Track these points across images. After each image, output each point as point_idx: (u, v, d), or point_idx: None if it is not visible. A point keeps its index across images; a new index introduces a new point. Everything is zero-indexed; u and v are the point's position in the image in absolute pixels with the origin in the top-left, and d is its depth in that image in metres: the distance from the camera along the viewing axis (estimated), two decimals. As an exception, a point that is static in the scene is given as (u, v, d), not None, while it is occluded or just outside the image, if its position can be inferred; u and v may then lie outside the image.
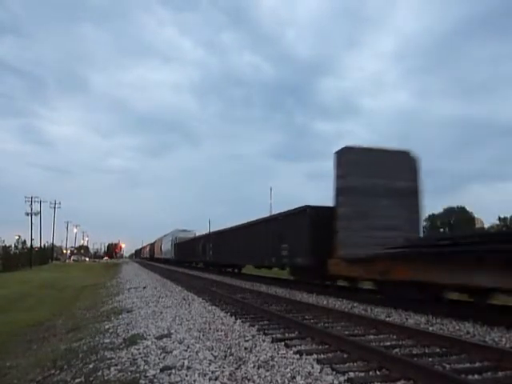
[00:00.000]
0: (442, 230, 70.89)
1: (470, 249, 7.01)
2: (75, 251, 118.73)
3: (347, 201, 11.16)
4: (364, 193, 11.15)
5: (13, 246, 56.87)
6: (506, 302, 7.80)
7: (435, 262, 7.71)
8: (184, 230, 44.09)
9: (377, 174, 11.42)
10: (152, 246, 61.38)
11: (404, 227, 11.00)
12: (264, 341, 5.71)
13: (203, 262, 29.81)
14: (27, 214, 62.68)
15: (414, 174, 11.84)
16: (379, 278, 9.37)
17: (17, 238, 62.56)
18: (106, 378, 4.50)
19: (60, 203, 75.89)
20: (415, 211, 11.68)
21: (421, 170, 11.95)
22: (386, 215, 11.06)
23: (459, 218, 72.20)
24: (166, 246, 46.78)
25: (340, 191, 11.32)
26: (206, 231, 21.79)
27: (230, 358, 4.85)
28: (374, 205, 11.10)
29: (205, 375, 4.19)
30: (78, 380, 4.65)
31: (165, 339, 6.01)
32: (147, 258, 66.02)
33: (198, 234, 36.12)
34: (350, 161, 11.37)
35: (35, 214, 63.87)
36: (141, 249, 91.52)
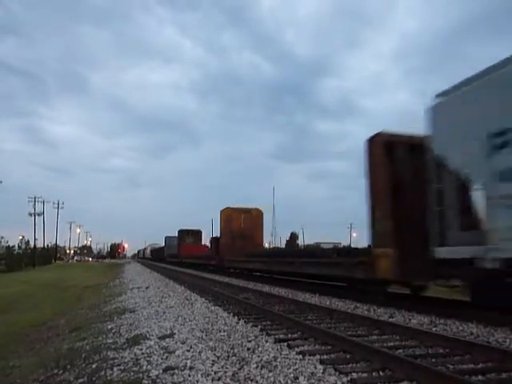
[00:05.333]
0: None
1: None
2: (78, 251, 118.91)
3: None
4: None
5: (16, 246, 57.16)
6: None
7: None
8: (156, 243, 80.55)
9: None
10: (144, 250, 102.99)
11: None
12: (267, 341, 5.70)
13: (153, 259, 66.35)
14: (30, 215, 62.80)
15: None
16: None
17: (20, 238, 63.08)
18: (108, 378, 4.51)
19: (63, 203, 76.22)
20: None
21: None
22: None
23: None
24: (148, 251, 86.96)
25: None
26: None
27: (233, 358, 4.84)
28: None
29: (208, 375, 4.19)
30: (80, 380, 4.65)
31: (168, 339, 6.01)
32: (142, 257, 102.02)
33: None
34: None
35: (38, 215, 63.92)
36: (139, 251, 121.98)
